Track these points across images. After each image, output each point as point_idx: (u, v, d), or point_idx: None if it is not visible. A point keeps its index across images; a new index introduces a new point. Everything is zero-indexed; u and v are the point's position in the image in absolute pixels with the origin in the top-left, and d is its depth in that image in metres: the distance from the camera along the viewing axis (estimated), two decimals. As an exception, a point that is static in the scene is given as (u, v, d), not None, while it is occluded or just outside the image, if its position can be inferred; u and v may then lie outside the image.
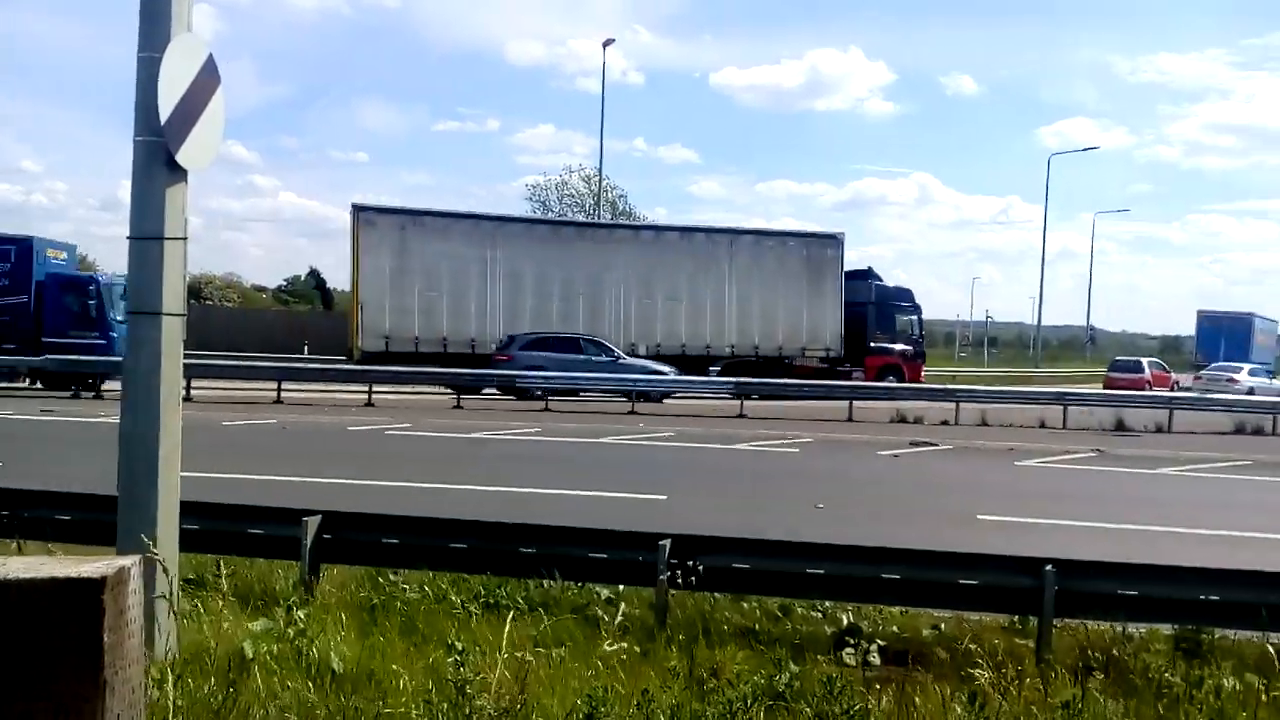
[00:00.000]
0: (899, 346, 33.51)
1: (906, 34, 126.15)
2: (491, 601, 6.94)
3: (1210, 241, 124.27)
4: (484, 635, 5.83)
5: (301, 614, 5.61)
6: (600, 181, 45.43)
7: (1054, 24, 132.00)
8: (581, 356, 26.83)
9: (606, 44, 40.73)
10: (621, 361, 27.03)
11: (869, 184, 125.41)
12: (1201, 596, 6.69)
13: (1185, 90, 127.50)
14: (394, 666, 5.32)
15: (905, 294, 34.94)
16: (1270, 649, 6.34)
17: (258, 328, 42.21)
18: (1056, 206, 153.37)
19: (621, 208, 53.11)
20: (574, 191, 52.18)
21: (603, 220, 43.79)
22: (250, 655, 4.98)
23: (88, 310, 25.08)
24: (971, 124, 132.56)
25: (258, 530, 7.63)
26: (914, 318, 34.49)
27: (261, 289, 73.70)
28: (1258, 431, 24.19)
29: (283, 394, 24.17)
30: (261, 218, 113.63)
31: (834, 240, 33.19)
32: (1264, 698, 5.52)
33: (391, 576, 7.52)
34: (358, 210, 28.22)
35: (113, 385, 22.44)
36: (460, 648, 4.90)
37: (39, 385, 24.86)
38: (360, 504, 8.80)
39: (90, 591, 2.50)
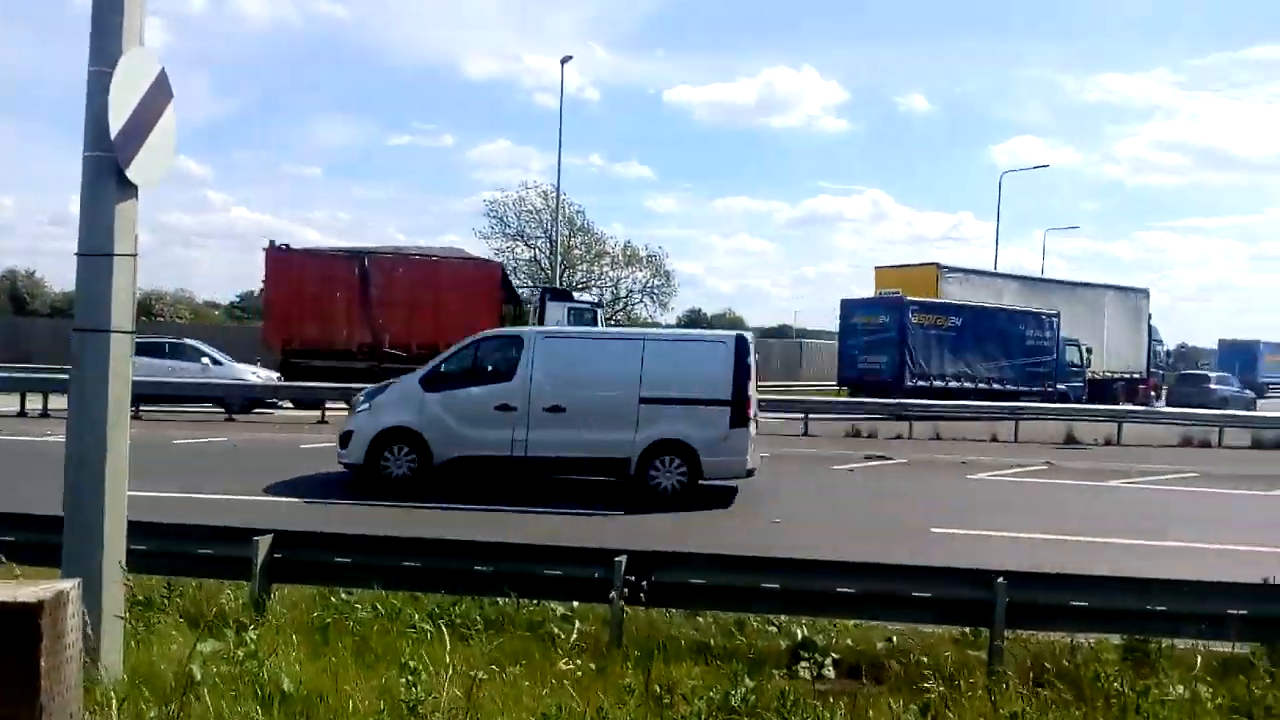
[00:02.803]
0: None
1: (859, 53, 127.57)
2: (446, 620, 6.88)
3: (1157, 258, 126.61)
4: (438, 654, 5.78)
5: (252, 634, 5.53)
6: (558, 197, 45.36)
7: (1004, 44, 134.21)
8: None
9: (565, 61, 40.66)
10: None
11: (824, 201, 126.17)
12: (1148, 606, 6.80)
13: (1132, 109, 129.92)
14: (346, 687, 5.26)
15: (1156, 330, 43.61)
16: (1209, 656, 6.47)
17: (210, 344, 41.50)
18: (1008, 223, 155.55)
19: (579, 223, 53.18)
20: (532, 207, 52.11)
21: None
22: (199, 677, 4.90)
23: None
24: (923, 142, 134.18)
25: (207, 550, 7.53)
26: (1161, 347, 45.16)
27: (214, 305, 72.85)
28: (1204, 444, 24.66)
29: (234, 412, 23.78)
30: (214, 233, 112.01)
31: (1144, 292, 42.93)
32: (1209, 705, 5.63)
33: (344, 596, 7.44)
34: None
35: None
36: (413, 667, 4.86)
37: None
38: (313, 523, 8.72)
39: (26, 617, 2.45)
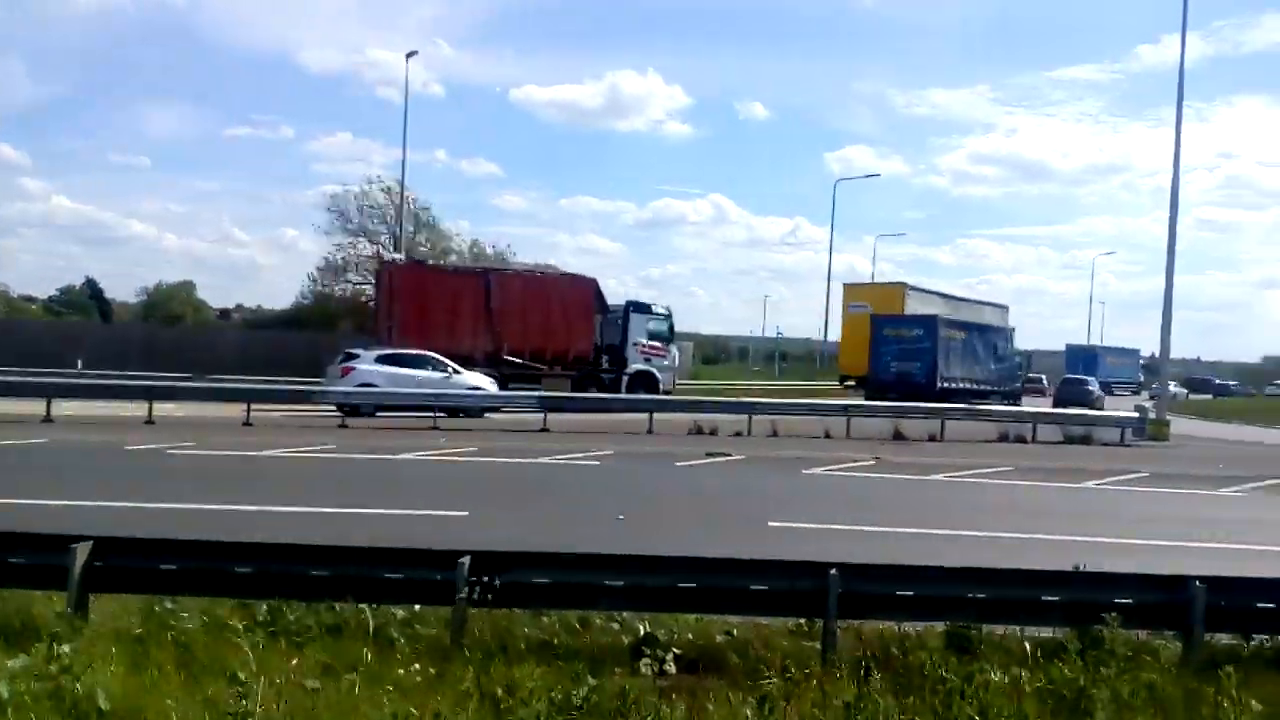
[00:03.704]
0: None
1: (702, 60, 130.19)
2: (279, 628, 6.64)
3: (977, 264, 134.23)
4: (270, 664, 5.58)
5: (66, 649, 5.22)
6: (403, 193, 44.41)
7: (838, 57, 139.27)
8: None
9: (410, 56, 40.05)
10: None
11: (668, 204, 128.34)
12: (970, 595, 7.16)
13: (954, 123, 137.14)
14: (168, 701, 5.02)
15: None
16: (1029, 644, 6.86)
17: (22, 340, 38.89)
18: (841, 229, 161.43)
19: (425, 219, 52.16)
20: (375, 203, 50.74)
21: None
22: (5, 696, 4.59)
23: None
24: (763, 148, 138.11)
25: (18, 559, 7.03)
26: None
27: (30, 299, 68.39)
28: (1019, 440, 26.16)
29: (53, 412, 22.27)
30: (31, 223, 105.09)
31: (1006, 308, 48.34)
32: (1027, 689, 5.95)
33: (169, 605, 7.08)
34: None
35: None
36: (242, 678, 4.68)
37: None
38: (137, 529, 8.26)
39: None
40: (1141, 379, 74.90)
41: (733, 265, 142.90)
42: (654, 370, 33.17)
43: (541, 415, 24.68)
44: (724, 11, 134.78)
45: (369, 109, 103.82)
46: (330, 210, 51.14)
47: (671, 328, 35.36)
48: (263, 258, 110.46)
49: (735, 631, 7.17)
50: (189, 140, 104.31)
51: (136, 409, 22.90)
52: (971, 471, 18.53)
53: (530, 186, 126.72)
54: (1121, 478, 18.54)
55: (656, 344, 33.70)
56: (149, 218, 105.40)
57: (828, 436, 24.74)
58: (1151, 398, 32.41)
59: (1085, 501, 16.04)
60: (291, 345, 42.21)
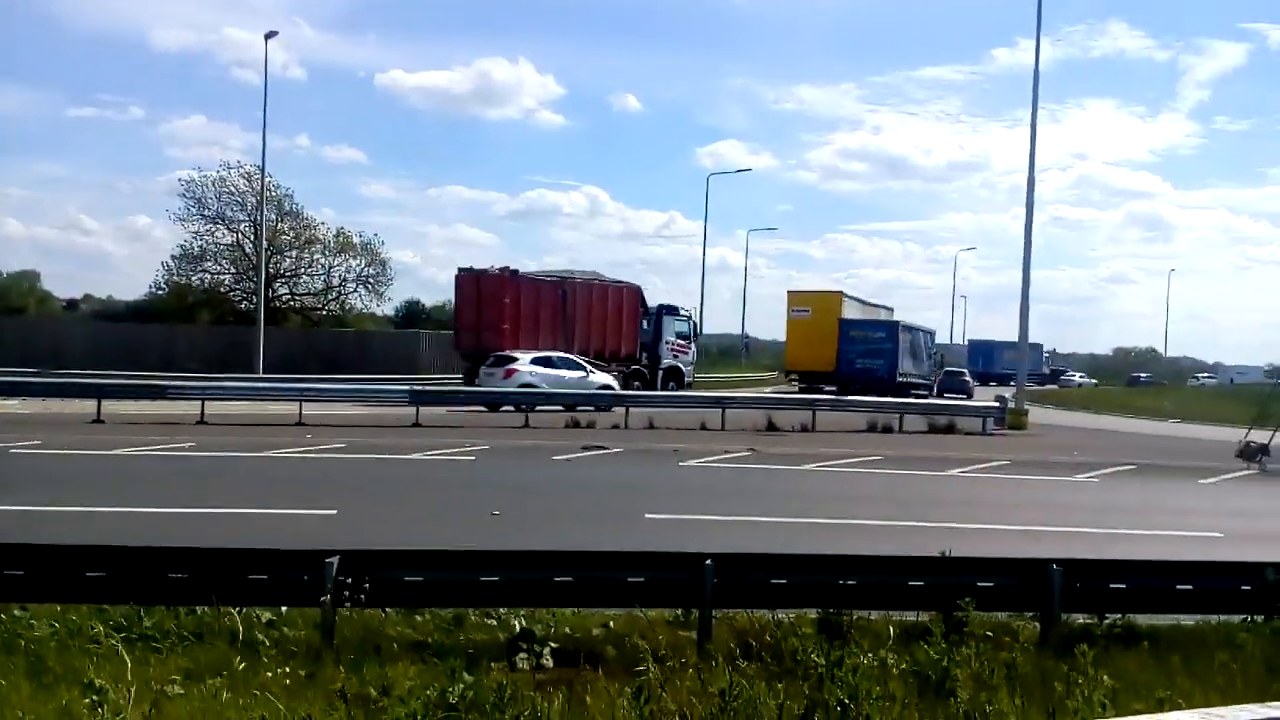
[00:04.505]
0: None
1: (574, 51, 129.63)
2: (136, 634, 6.34)
3: (846, 258, 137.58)
4: (128, 671, 5.32)
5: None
6: (264, 179, 42.84)
7: (709, 52, 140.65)
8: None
9: (269, 36, 38.53)
10: (588, 378, 29.71)
11: (541, 194, 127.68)
12: (841, 582, 7.33)
13: (822, 120, 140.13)
14: (19, 712, 4.74)
15: None
16: (896, 628, 7.06)
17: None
18: (714, 222, 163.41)
19: (288, 207, 50.48)
20: (233, 189, 48.80)
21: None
22: None
23: None
24: (636, 141, 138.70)
25: None
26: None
27: None
28: (887, 430, 26.94)
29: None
30: None
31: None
32: (894, 671, 6.13)
33: (17, 612, 6.70)
34: None
35: None
36: (98, 686, 4.45)
37: None
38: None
39: None
40: (1046, 371, 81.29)
41: (609, 257, 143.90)
42: (680, 365, 38.46)
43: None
44: (595, 4, 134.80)
45: (224, 91, 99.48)
46: (185, 196, 48.89)
47: (694, 327, 40.92)
48: (113, 246, 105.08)
49: (613, 624, 7.18)
50: (29, 121, 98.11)
51: None
52: (843, 461, 19.00)
53: (397, 175, 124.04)
54: (985, 465, 19.28)
55: (682, 342, 38.98)
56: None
57: (703, 428, 25.01)
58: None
59: (950, 489, 16.61)
60: (146, 337, 40.53)
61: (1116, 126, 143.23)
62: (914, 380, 45.20)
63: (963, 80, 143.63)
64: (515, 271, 33.94)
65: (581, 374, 29.71)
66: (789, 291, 49.55)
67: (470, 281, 33.62)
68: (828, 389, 39.33)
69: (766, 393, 39.52)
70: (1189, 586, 7.73)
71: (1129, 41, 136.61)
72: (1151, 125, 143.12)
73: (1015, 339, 75.76)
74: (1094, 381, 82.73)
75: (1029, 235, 32.09)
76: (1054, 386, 73.43)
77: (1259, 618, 7.66)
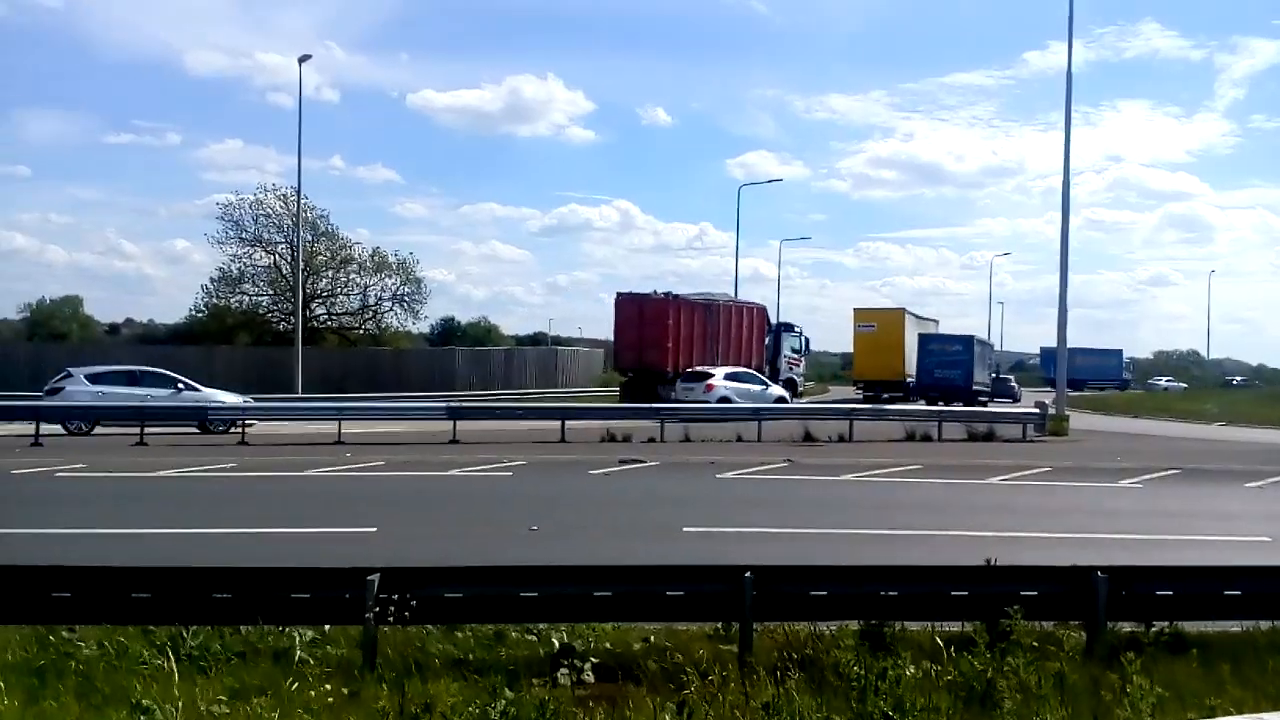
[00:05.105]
0: None
1: (603, 65, 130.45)
2: (183, 654, 6.41)
3: (879, 266, 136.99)
4: (174, 691, 5.38)
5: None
6: (299, 200, 43.31)
7: (738, 63, 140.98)
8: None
9: (303, 60, 38.97)
10: (767, 391, 32.99)
11: (573, 210, 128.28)
12: (882, 593, 7.27)
13: (853, 128, 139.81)
14: (68, 734, 4.80)
15: None
16: (940, 639, 6.98)
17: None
18: (746, 233, 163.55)
19: (323, 228, 50.96)
20: (270, 211, 49.34)
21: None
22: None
23: None
24: (666, 154, 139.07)
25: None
26: None
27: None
28: (925, 438, 26.71)
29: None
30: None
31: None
32: (939, 682, 6.07)
33: (65, 634, 6.80)
34: None
35: None
36: (145, 706, 4.50)
37: None
38: (29, 556, 7.90)
39: None
40: (1128, 377, 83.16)
41: (641, 271, 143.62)
42: (795, 377, 43.59)
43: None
44: (621, 17, 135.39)
45: (260, 115, 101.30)
46: (223, 219, 49.46)
47: (806, 343, 46.57)
48: (152, 270, 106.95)
49: (653, 638, 7.15)
50: (70, 147, 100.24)
51: (24, 429, 22.00)
52: (881, 471, 18.85)
53: (430, 193, 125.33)
54: (1025, 473, 19.06)
55: (796, 356, 44.84)
56: (31, 229, 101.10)
57: (740, 440, 24.93)
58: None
59: (990, 496, 16.44)
60: (186, 359, 40.96)
61: (1152, 127, 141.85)
62: (983, 388, 48.75)
63: (994, 85, 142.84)
64: (674, 295, 37.60)
65: (763, 387, 33.03)
66: (855, 309, 54.00)
67: (632, 304, 37.20)
68: (885, 396, 44.97)
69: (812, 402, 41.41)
70: (1237, 592, 7.58)
71: (1162, 41, 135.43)
72: (1187, 125, 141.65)
73: (1089, 346, 78.05)
74: (1183, 385, 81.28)
75: (1065, 239, 31.81)
76: (1140, 391, 74.88)
77: (1311, 623, 7.51)
